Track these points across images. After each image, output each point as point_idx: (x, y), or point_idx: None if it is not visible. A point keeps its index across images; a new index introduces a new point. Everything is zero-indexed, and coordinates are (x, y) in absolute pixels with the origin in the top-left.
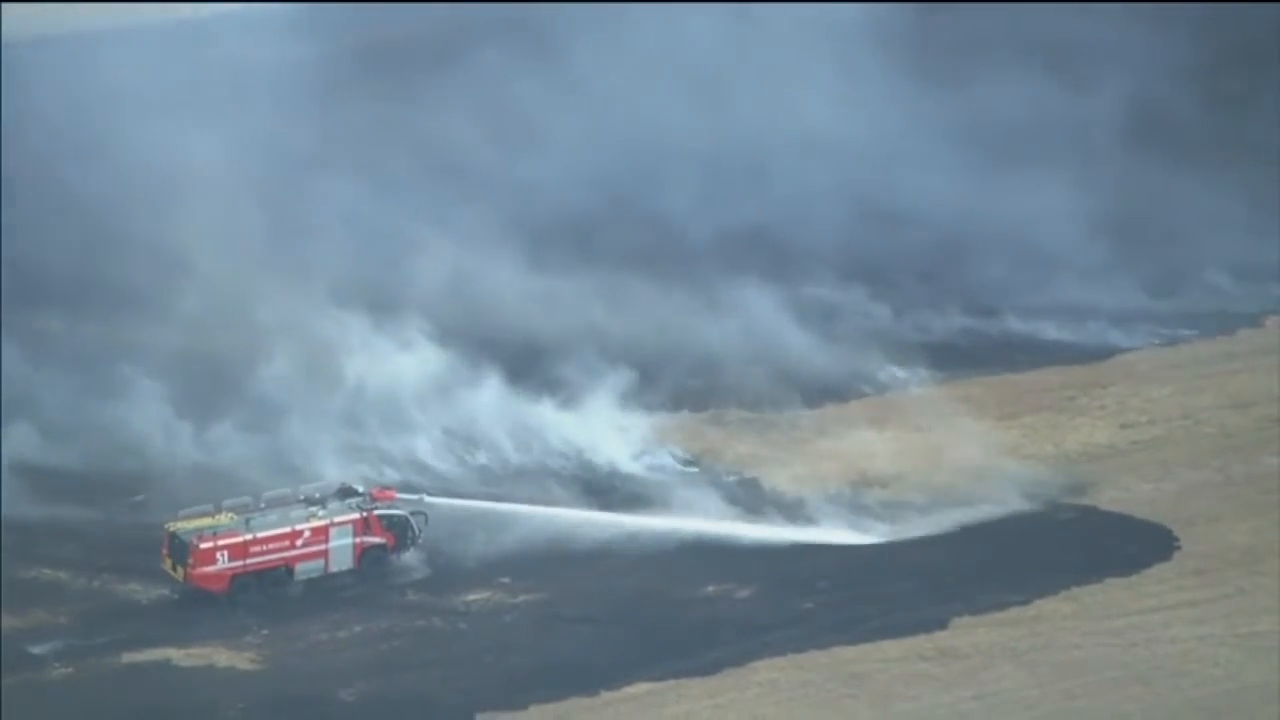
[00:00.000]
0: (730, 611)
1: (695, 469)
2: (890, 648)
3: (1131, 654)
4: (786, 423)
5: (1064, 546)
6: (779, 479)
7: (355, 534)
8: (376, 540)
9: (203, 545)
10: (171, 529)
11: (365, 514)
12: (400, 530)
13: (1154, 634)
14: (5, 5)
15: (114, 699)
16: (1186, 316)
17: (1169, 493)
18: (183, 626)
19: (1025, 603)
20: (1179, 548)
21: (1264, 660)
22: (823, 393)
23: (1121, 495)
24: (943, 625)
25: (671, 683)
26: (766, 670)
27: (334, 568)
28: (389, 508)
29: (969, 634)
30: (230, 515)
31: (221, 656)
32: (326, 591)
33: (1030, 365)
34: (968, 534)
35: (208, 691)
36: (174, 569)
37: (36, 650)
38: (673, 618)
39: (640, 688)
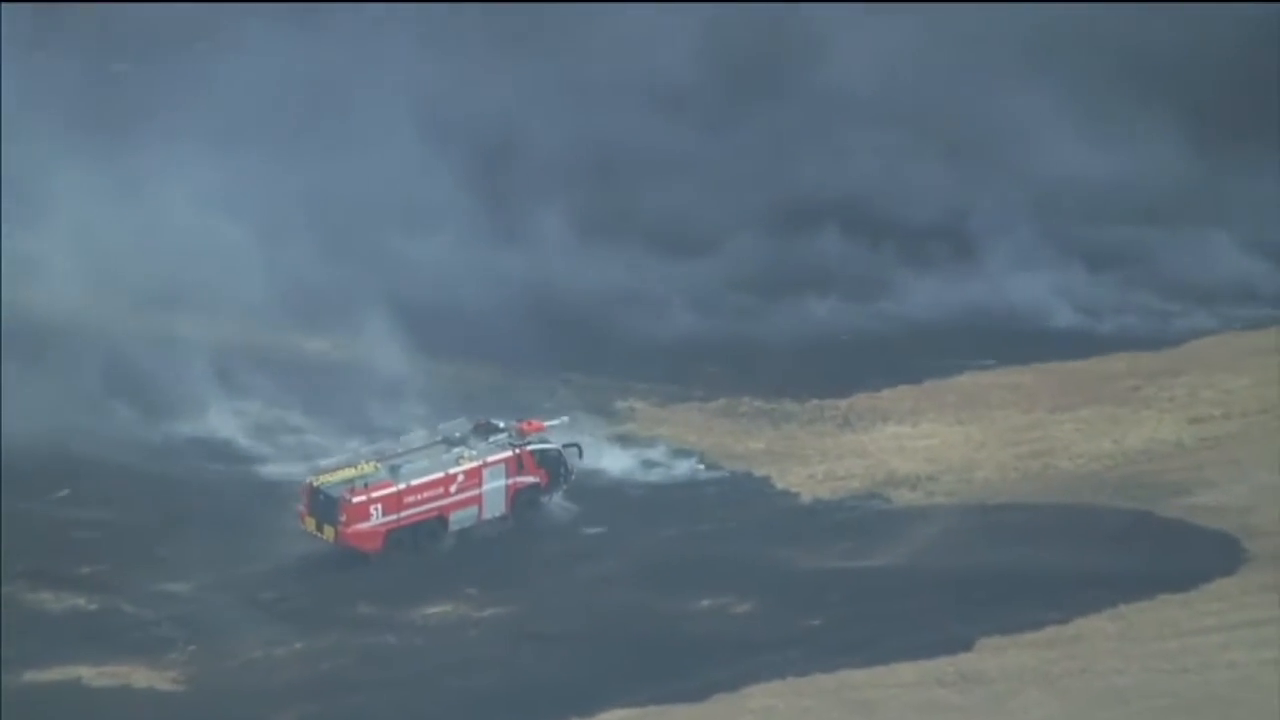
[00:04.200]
0: (726, 628)
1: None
2: (905, 671)
3: (1181, 680)
4: (808, 414)
5: (1113, 557)
6: (793, 479)
7: (508, 474)
8: (530, 480)
9: (355, 500)
10: (314, 483)
11: (517, 451)
12: (554, 466)
13: (1209, 658)
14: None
15: None
16: (1273, 296)
17: (1239, 497)
18: (97, 641)
19: (1064, 621)
20: (1246, 560)
21: None
22: (852, 380)
23: (1184, 499)
24: (967, 646)
25: (653, 709)
26: (762, 695)
27: (487, 514)
28: (540, 441)
29: (997, 656)
30: (374, 464)
31: (140, 676)
32: (479, 542)
33: (1091, 350)
34: (1003, 542)
35: (122, 715)
36: (319, 529)
37: None
38: (660, 635)
39: (617, 715)
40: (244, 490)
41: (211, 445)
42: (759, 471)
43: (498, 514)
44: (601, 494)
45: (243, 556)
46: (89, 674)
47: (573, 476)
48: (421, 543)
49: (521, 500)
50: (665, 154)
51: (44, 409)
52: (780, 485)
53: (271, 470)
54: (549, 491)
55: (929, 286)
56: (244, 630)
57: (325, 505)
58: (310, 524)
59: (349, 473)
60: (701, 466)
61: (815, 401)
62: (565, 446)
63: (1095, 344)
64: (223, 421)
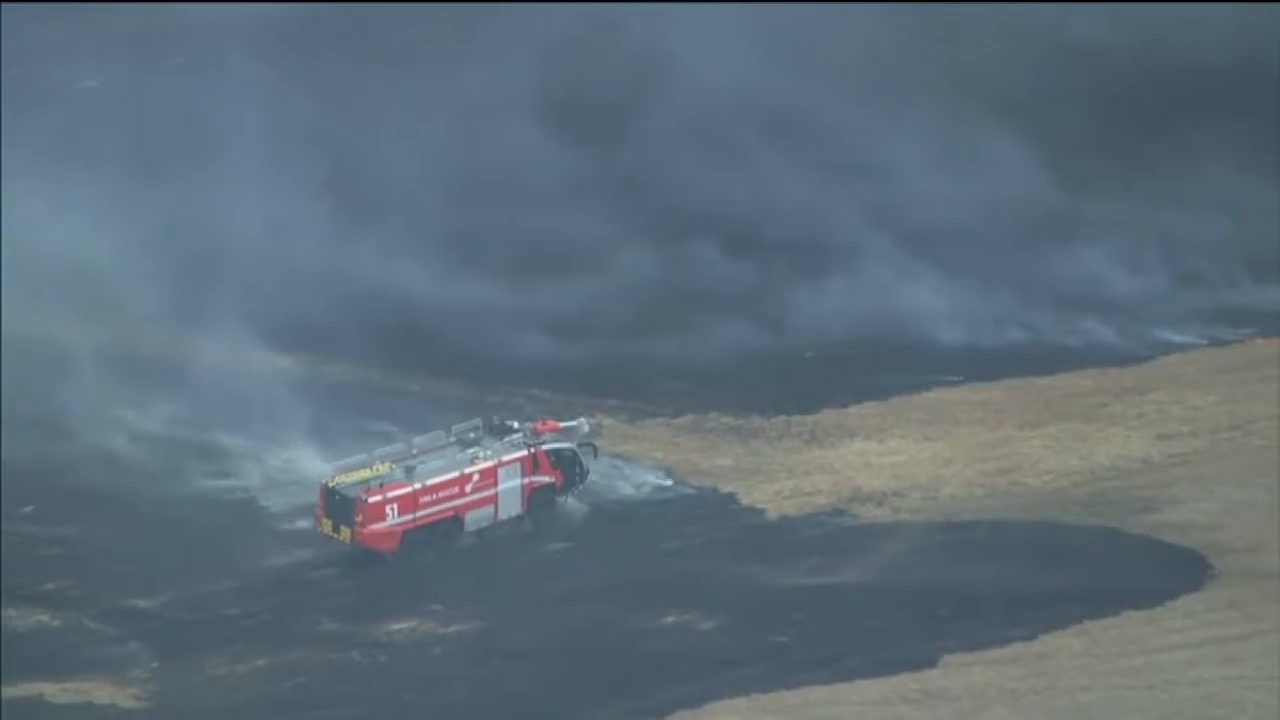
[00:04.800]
0: (691, 644)
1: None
2: (869, 688)
3: (1147, 697)
4: (775, 431)
5: (1079, 574)
6: (759, 495)
7: (524, 474)
8: (545, 479)
9: (372, 500)
10: (329, 484)
11: (532, 450)
12: (568, 467)
13: (1175, 675)
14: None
15: None
16: (1242, 313)
17: (1206, 514)
18: (60, 657)
19: (1029, 638)
20: (1212, 577)
21: None
22: (818, 396)
23: (1151, 516)
24: (932, 663)
25: None
26: (725, 713)
27: (503, 514)
28: (555, 440)
29: (962, 673)
30: (389, 465)
31: (103, 692)
32: (494, 542)
33: (1060, 367)
34: (969, 559)
35: None
36: (336, 530)
37: None
38: (625, 651)
39: None
40: (209, 507)
41: (177, 461)
42: (725, 488)
43: (514, 514)
44: (567, 510)
45: (207, 573)
46: (51, 691)
47: (589, 476)
48: (438, 543)
49: (537, 500)
50: (539, 173)
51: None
52: (746, 501)
53: (237, 486)
54: (564, 492)
55: (816, 302)
56: (208, 647)
57: (341, 506)
58: (327, 525)
59: (364, 473)
60: (669, 482)
61: (782, 418)
62: (580, 446)
63: (1064, 361)
64: (186, 437)
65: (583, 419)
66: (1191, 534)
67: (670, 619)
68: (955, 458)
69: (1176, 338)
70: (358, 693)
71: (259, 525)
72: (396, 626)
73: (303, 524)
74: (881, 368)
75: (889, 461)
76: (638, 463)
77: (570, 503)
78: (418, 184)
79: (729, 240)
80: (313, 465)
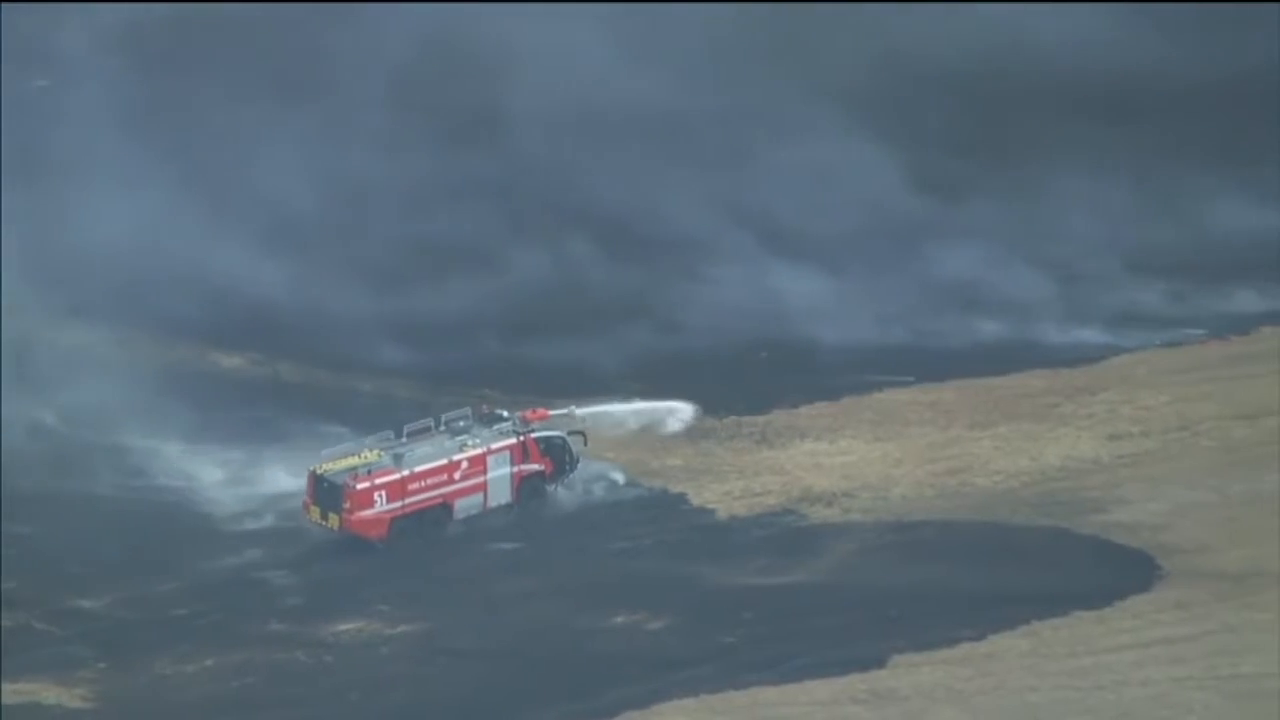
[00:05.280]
0: (639, 645)
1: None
2: (818, 688)
3: (1095, 697)
4: (726, 431)
5: (1028, 575)
6: (709, 495)
7: (513, 462)
8: (534, 468)
9: (359, 486)
10: (317, 471)
11: (522, 438)
12: (558, 455)
13: (1123, 675)
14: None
15: None
16: (1195, 315)
17: (1155, 514)
18: (6, 658)
19: (978, 638)
20: (1161, 577)
21: (1246, 706)
22: (769, 397)
23: (1101, 517)
24: (881, 663)
25: None
26: (673, 713)
27: (492, 502)
28: (545, 428)
29: (910, 674)
30: (376, 452)
31: (49, 693)
32: (485, 531)
33: (1011, 367)
34: (918, 559)
35: None
36: (324, 517)
37: None
38: (573, 651)
39: None
40: (156, 507)
41: (123, 461)
42: (675, 488)
43: (503, 502)
44: (516, 509)
45: (154, 573)
46: None
47: (578, 464)
48: (427, 530)
49: (527, 489)
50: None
51: None
52: (696, 502)
53: (185, 487)
54: (554, 480)
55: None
56: (154, 647)
57: (329, 493)
58: (315, 513)
59: (352, 460)
60: (621, 480)
61: (733, 418)
62: (570, 434)
63: (1015, 361)
64: (137, 439)
65: (573, 407)
66: (1140, 534)
67: (619, 619)
68: (905, 458)
69: (1060, 338)
70: (304, 693)
71: (207, 526)
72: (343, 627)
73: (251, 525)
74: (782, 368)
75: (839, 462)
76: (590, 462)
77: (560, 491)
78: (287, 190)
79: (610, 240)
80: (263, 466)
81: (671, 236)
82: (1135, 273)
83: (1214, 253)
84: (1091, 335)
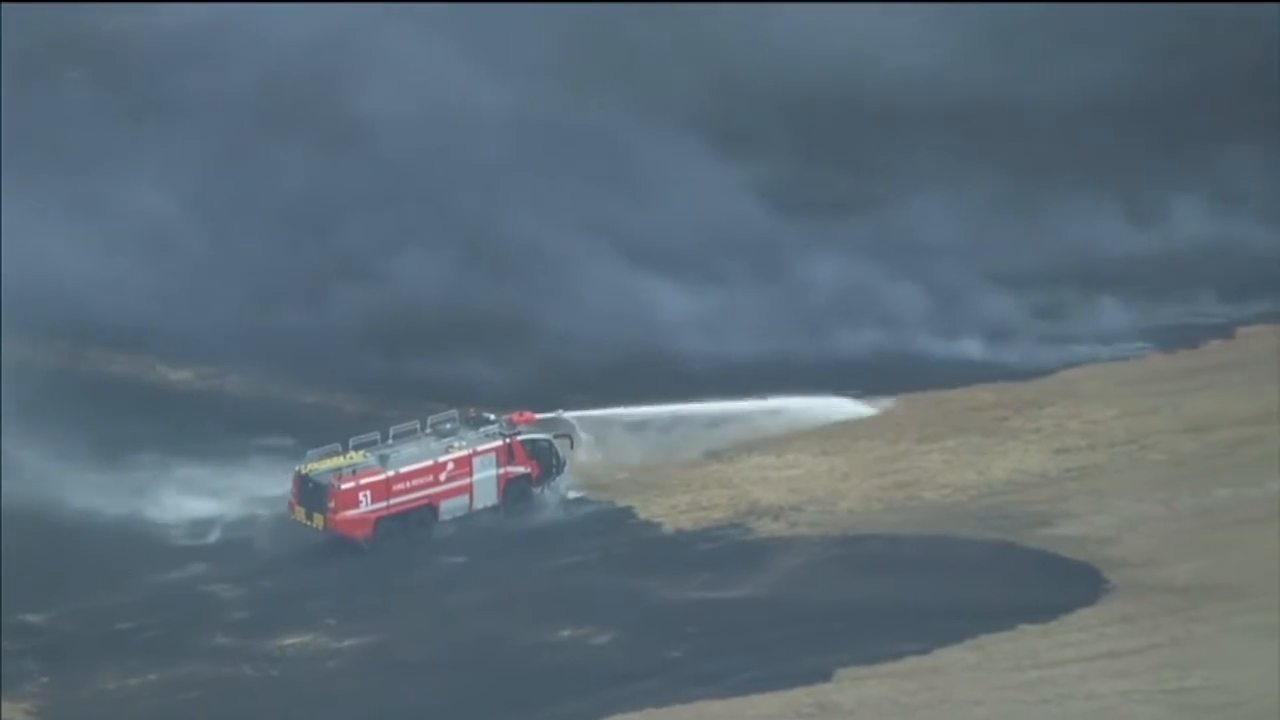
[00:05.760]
0: (585, 659)
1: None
2: (763, 702)
3: (1040, 711)
4: (674, 445)
5: (975, 588)
6: (656, 509)
7: (499, 464)
8: (521, 470)
9: (344, 486)
10: (303, 471)
11: (508, 441)
12: (545, 458)
13: (1068, 689)
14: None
15: None
16: (1143, 328)
17: (1101, 528)
18: None
19: (924, 652)
20: (1106, 591)
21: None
22: (721, 412)
23: (1047, 530)
24: (826, 677)
25: None
26: None
27: (478, 504)
28: (531, 432)
29: (855, 687)
30: (362, 453)
31: None
32: (473, 532)
33: (960, 381)
34: (865, 573)
35: None
36: (308, 517)
37: None
38: (519, 665)
39: None
40: (102, 520)
41: (67, 476)
42: (622, 502)
43: (490, 504)
44: (463, 523)
45: (100, 587)
46: None
47: (566, 468)
48: (412, 531)
49: (513, 491)
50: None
51: None
52: (643, 516)
53: (130, 500)
54: (540, 483)
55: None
56: (99, 661)
57: (314, 493)
58: (300, 513)
59: (338, 461)
60: (572, 495)
61: (680, 431)
62: (557, 437)
63: (964, 375)
64: (83, 453)
65: (560, 410)
66: (1087, 548)
67: (565, 633)
68: (853, 472)
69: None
70: (249, 707)
71: (153, 540)
72: (290, 640)
73: (197, 538)
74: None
75: (786, 475)
76: None
77: (546, 494)
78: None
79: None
80: (209, 479)
81: (539, 249)
82: (1001, 285)
83: (1077, 265)
84: (971, 348)
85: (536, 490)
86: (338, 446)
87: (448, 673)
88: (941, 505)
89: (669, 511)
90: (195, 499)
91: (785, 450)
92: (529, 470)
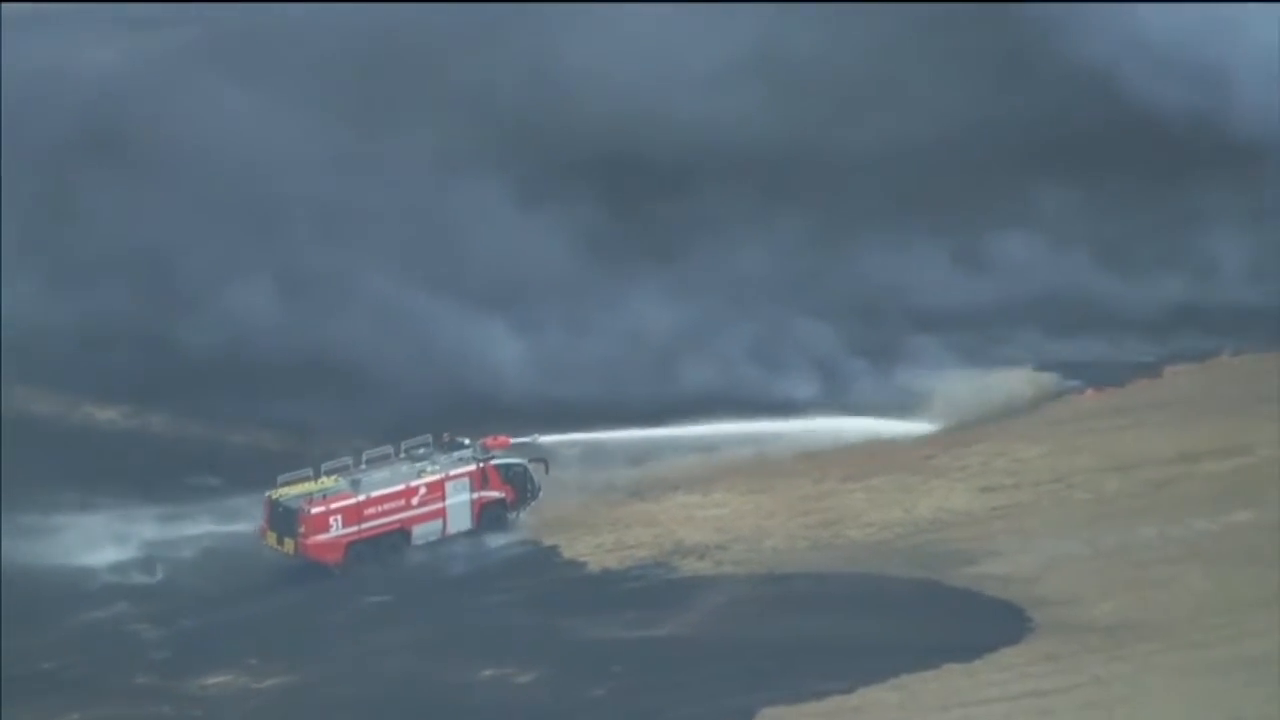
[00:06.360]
0: (507, 698)
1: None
2: None
3: None
4: (599, 484)
5: (899, 627)
6: (581, 548)
7: (472, 488)
8: (495, 495)
9: (314, 510)
10: (273, 496)
11: (481, 465)
12: (520, 482)
13: None
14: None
15: None
16: (1071, 365)
17: (1026, 567)
18: None
19: (847, 691)
20: (1031, 630)
21: None
22: (644, 451)
23: (972, 569)
24: (749, 716)
25: None
26: None
27: (451, 529)
28: (505, 456)
29: None
30: (334, 478)
31: None
32: (444, 557)
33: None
34: (790, 611)
35: None
36: (279, 542)
37: None
38: (441, 705)
39: None
40: (22, 559)
41: None
42: (547, 540)
43: (463, 529)
44: (386, 561)
45: (20, 627)
46: None
47: (540, 493)
48: (384, 555)
49: (487, 516)
50: None
51: None
52: (568, 554)
53: (53, 539)
54: (515, 508)
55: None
56: (20, 701)
57: (284, 518)
58: (271, 538)
59: (309, 486)
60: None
61: (605, 470)
62: (532, 462)
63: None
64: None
65: (536, 434)
66: (1011, 587)
67: (488, 672)
68: (778, 510)
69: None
70: None
71: (74, 579)
72: (212, 680)
73: (119, 578)
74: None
75: (712, 514)
76: None
77: (522, 518)
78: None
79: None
80: (132, 519)
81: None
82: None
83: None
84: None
85: (511, 516)
86: (309, 471)
87: (370, 712)
88: (867, 544)
89: (594, 550)
90: (117, 538)
91: (711, 489)
92: (503, 495)
